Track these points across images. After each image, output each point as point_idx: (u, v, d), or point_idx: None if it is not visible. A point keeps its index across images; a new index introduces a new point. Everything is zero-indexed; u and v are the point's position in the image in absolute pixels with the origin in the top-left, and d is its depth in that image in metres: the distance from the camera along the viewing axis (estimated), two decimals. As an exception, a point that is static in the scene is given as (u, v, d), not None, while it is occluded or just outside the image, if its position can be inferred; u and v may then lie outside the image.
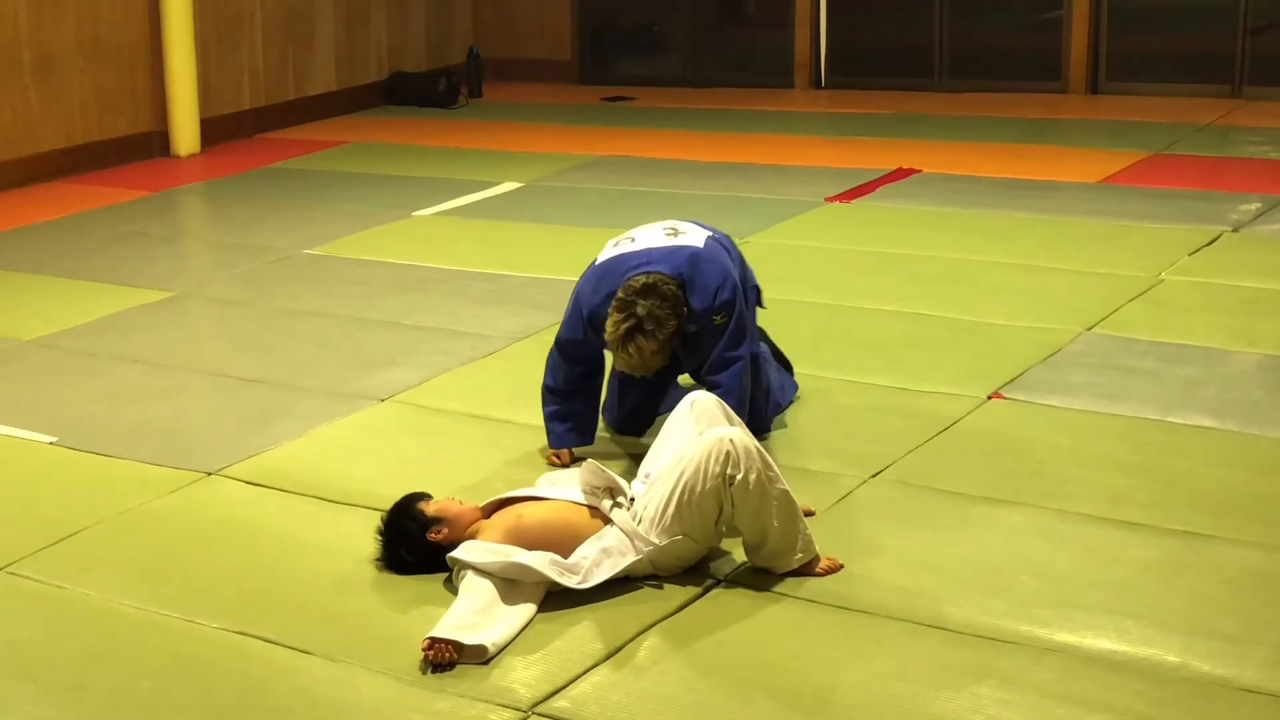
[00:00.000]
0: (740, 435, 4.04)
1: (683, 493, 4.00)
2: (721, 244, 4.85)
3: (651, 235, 4.78)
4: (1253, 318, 6.16)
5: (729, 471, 3.96)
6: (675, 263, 4.63)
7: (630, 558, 4.06)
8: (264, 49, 11.08)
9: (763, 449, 4.07)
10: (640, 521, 4.08)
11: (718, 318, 4.63)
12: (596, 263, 4.82)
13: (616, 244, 4.83)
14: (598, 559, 4.06)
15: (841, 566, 4.17)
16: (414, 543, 4.20)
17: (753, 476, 3.98)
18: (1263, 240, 7.26)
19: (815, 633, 3.89)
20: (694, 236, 4.76)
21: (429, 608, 4.08)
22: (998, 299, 6.50)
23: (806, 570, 4.12)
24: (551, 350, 4.92)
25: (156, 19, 10.18)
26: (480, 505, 4.29)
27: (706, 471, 3.97)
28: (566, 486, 4.33)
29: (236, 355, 6.31)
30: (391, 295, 6.95)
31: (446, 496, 4.30)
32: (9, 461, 5.28)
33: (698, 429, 4.21)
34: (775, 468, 4.08)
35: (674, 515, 4.02)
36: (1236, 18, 10.78)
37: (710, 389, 4.59)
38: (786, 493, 4.08)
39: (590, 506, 4.18)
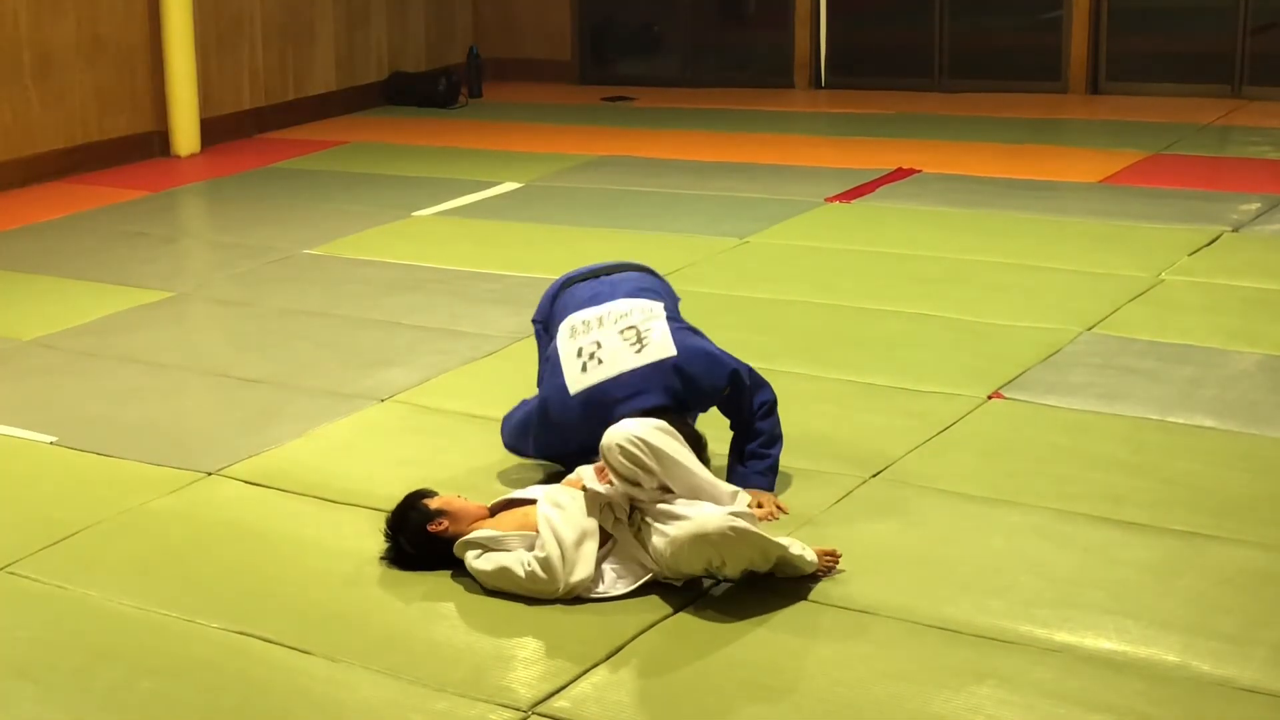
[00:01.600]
0: (717, 522, 3.89)
1: (671, 559, 3.99)
2: (673, 316, 4.68)
3: (617, 351, 4.52)
4: (1253, 318, 6.16)
5: (712, 562, 3.93)
6: (666, 384, 4.47)
7: (638, 580, 4.07)
8: (264, 49, 11.08)
9: (746, 521, 3.94)
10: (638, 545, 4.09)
11: (725, 390, 4.59)
12: (567, 385, 4.53)
13: (581, 358, 4.55)
14: (612, 581, 4.08)
15: (838, 557, 4.15)
16: (414, 534, 4.21)
17: (740, 563, 3.95)
18: (1263, 240, 7.26)
19: (815, 633, 3.89)
20: (660, 338, 4.54)
21: (430, 607, 4.09)
22: (998, 299, 6.50)
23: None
24: (522, 436, 4.71)
25: (156, 19, 10.18)
26: (487, 505, 4.30)
27: (689, 562, 3.95)
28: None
29: (236, 355, 6.30)
30: (391, 295, 6.95)
31: (454, 495, 4.31)
32: (9, 461, 5.28)
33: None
34: (760, 530, 3.98)
35: (667, 563, 4.02)
36: (1236, 18, 10.77)
37: (757, 442, 4.60)
38: (783, 554, 4.00)
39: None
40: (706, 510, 3.96)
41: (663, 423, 4.14)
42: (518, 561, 4.06)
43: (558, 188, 8.98)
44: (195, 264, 8.01)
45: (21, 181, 9.53)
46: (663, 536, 3.97)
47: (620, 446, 4.01)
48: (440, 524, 4.19)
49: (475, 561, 4.12)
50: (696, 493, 4.05)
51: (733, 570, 3.95)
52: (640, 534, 4.05)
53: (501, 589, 4.09)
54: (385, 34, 12.10)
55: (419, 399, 5.64)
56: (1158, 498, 4.57)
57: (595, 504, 4.13)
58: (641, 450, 4.00)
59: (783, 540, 4.01)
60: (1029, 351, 5.82)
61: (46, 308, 6.99)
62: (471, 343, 6.21)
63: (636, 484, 4.04)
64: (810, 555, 4.07)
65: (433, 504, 4.24)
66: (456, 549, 4.16)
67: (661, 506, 4.01)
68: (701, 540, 3.90)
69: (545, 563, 4.02)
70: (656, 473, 4.02)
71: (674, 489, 4.04)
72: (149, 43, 10.24)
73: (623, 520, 4.08)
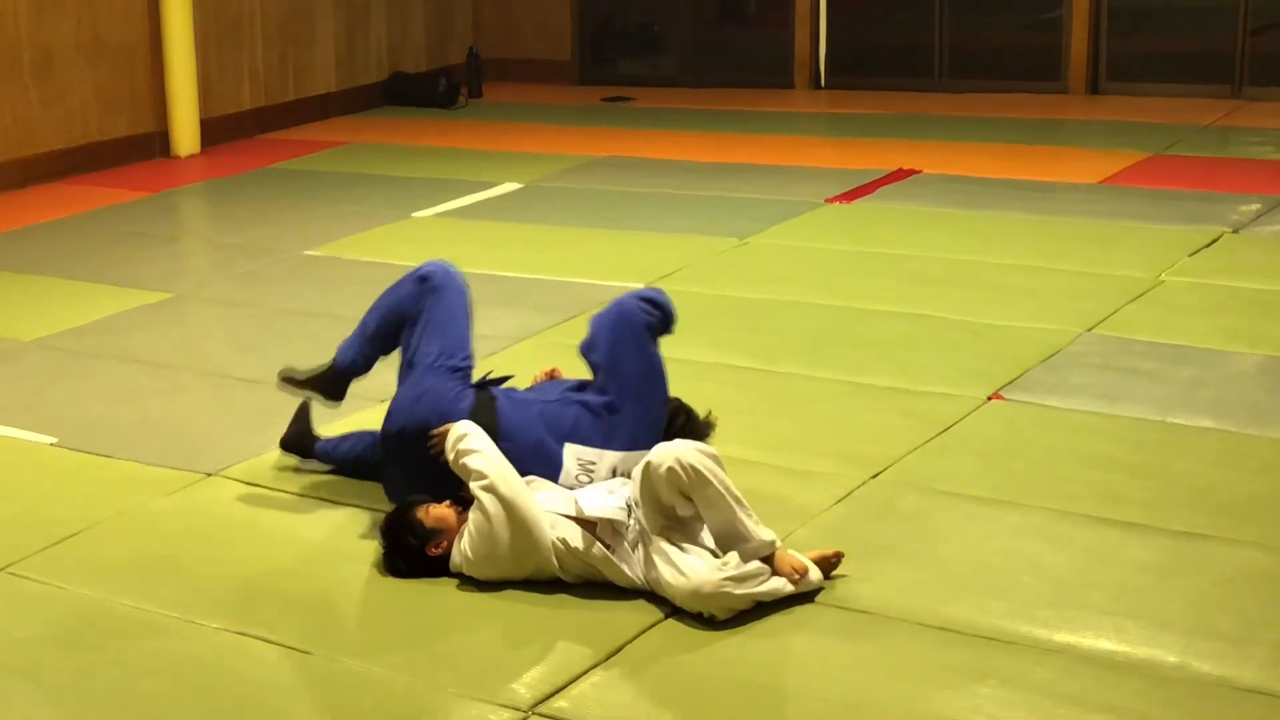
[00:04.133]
0: (711, 588, 3.89)
1: (666, 595, 4.02)
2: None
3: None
4: (1253, 318, 6.16)
5: (704, 614, 3.93)
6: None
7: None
8: (264, 49, 11.08)
9: (737, 585, 3.93)
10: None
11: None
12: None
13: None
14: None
15: (841, 556, 4.15)
16: (413, 557, 4.20)
17: (730, 614, 3.94)
18: (1263, 240, 7.26)
19: (815, 633, 3.89)
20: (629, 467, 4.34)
21: (430, 608, 4.09)
22: (998, 299, 6.50)
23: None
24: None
25: (156, 19, 10.18)
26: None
27: (683, 606, 3.96)
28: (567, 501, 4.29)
29: (236, 355, 6.31)
30: (391, 295, 6.94)
31: (445, 503, 4.28)
32: (9, 461, 5.28)
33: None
34: (755, 591, 3.98)
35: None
36: (1236, 18, 10.77)
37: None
38: (780, 595, 4.02)
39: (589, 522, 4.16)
40: (701, 570, 3.93)
41: (712, 450, 4.08)
42: (474, 508, 4.10)
43: (558, 188, 8.98)
44: (195, 264, 8.01)
45: (21, 181, 9.53)
46: (658, 577, 3.98)
47: (670, 469, 3.96)
48: (439, 546, 4.19)
49: (472, 567, 4.14)
50: (731, 532, 3.99)
51: (723, 617, 3.94)
52: (635, 550, 4.05)
53: (495, 553, 4.08)
54: (385, 34, 12.10)
55: (419, 399, 5.62)
56: (1158, 498, 4.57)
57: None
58: (689, 477, 3.96)
59: (777, 584, 3.98)
60: (1029, 352, 5.82)
61: (46, 308, 6.99)
62: (471, 343, 6.20)
63: (664, 506, 4.02)
64: (814, 575, 4.06)
65: (427, 520, 4.21)
66: (452, 567, 4.19)
67: (662, 545, 3.99)
68: (694, 598, 3.93)
69: (484, 482, 4.08)
70: (694, 502, 4.00)
71: (707, 522, 4.03)
72: (149, 43, 10.24)
73: (620, 534, 4.07)
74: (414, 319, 4.67)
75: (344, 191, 9.16)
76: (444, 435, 4.31)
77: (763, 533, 4.01)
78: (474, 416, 4.40)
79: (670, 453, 3.99)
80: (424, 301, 4.68)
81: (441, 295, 4.69)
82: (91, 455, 5.27)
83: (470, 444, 4.19)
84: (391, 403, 4.60)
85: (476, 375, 4.74)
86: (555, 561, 4.08)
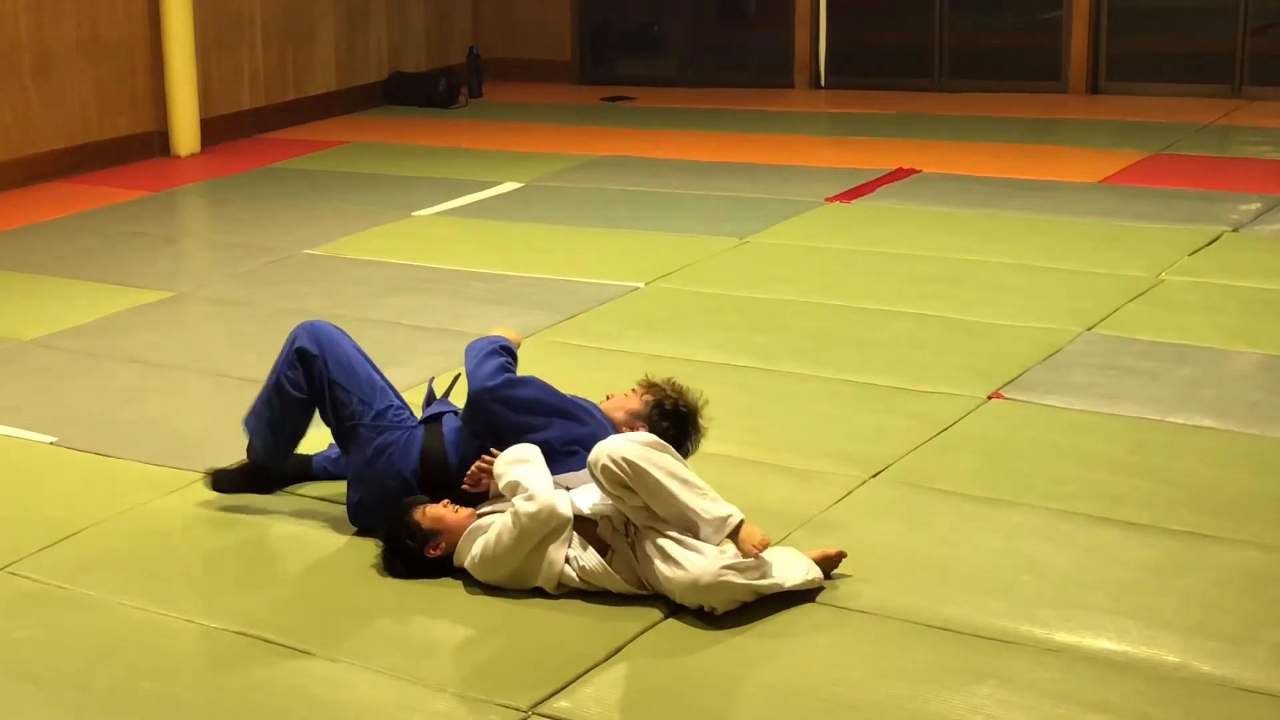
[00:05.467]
0: (709, 579, 3.89)
1: (665, 592, 4.01)
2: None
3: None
4: (1253, 318, 6.16)
5: (704, 606, 3.94)
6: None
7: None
8: (264, 49, 11.08)
9: (737, 575, 3.92)
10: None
11: None
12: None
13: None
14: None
15: (844, 555, 4.15)
16: (412, 559, 4.20)
17: (731, 606, 3.95)
18: (1263, 240, 7.26)
19: (815, 633, 3.89)
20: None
21: (430, 608, 4.09)
22: (998, 299, 6.50)
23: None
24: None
25: (156, 19, 10.18)
26: (477, 510, 4.28)
27: (682, 600, 3.96)
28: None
29: (236, 355, 6.30)
30: (391, 295, 6.95)
31: (442, 503, 4.27)
32: (9, 461, 5.28)
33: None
34: (753, 581, 3.98)
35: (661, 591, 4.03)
36: (1236, 18, 10.78)
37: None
38: (779, 589, 4.02)
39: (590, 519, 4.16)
40: (699, 562, 3.92)
41: (654, 438, 4.07)
42: (508, 518, 4.07)
43: (558, 188, 8.99)
44: (195, 264, 8.01)
45: (21, 181, 9.53)
46: (657, 572, 3.97)
47: (604, 465, 3.96)
48: (437, 547, 4.19)
49: (476, 565, 4.13)
50: (683, 518, 3.97)
51: (723, 609, 3.94)
52: (635, 548, 4.05)
53: (506, 563, 4.07)
54: (385, 34, 12.09)
55: (418, 399, 5.62)
56: (1158, 498, 4.57)
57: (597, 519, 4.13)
58: (623, 471, 3.95)
59: (777, 579, 3.97)
60: (1029, 351, 5.82)
61: (46, 308, 6.99)
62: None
63: (622, 498, 4.02)
64: (815, 574, 4.06)
65: (425, 520, 4.21)
66: (455, 563, 4.18)
67: (659, 540, 3.98)
68: (693, 590, 3.92)
69: (533, 506, 4.04)
70: (639, 494, 3.98)
71: (659, 513, 3.99)
72: (149, 43, 10.24)
73: (620, 531, 4.08)
74: (321, 393, 4.53)
75: (344, 191, 9.16)
76: (492, 461, 4.28)
77: (718, 509, 3.96)
78: (423, 453, 4.44)
79: (603, 449, 3.98)
80: (315, 370, 4.52)
81: (327, 355, 4.53)
82: (91, 455, 5.27)
83: (524, 472, 4.16)
84: (349, 472, 4.54)
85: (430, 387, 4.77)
86: (556, 583, 4.08)
